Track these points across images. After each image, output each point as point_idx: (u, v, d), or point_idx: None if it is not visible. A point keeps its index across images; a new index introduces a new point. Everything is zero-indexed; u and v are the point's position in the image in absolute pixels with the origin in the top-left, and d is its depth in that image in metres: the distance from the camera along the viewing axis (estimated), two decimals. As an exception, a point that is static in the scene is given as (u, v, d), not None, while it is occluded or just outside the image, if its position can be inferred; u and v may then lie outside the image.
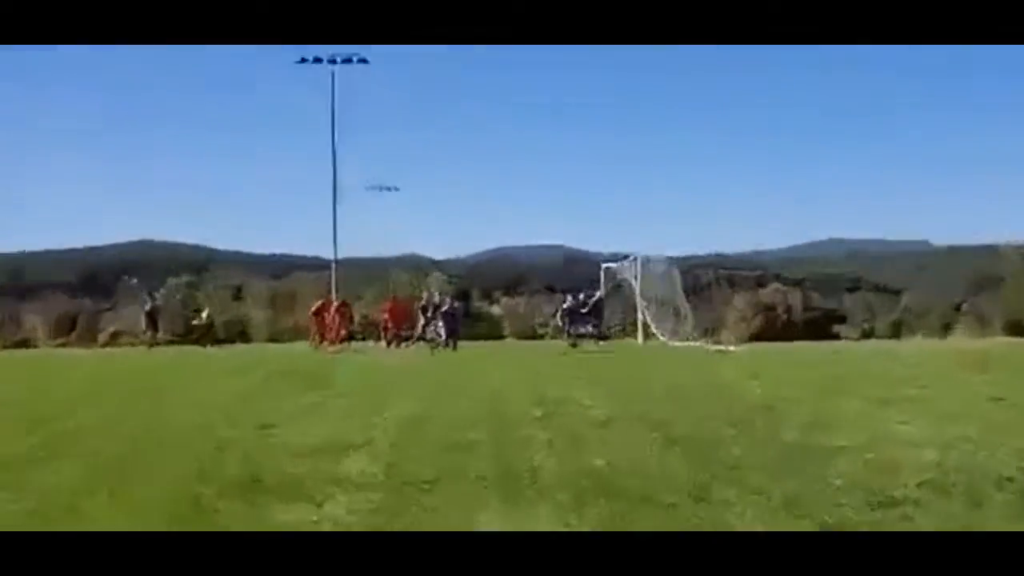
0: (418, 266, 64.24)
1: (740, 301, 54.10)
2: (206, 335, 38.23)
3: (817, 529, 5.10)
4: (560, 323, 32.96)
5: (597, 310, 32.34)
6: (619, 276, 38.21)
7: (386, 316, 34.66)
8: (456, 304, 34.10)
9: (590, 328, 31.63)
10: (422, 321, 32.22)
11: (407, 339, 32.62)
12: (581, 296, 32.56)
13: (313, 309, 35.08)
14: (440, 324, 31.20)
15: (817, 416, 9.60)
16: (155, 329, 38.56)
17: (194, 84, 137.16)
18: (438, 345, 29.98)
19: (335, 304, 35.56)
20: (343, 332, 33.98)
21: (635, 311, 36.52)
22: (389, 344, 32.98)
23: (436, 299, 33.24)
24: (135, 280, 46.66)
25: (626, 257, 37.65)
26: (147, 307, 39.50)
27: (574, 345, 29.85)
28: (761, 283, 59.88)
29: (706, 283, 51.36)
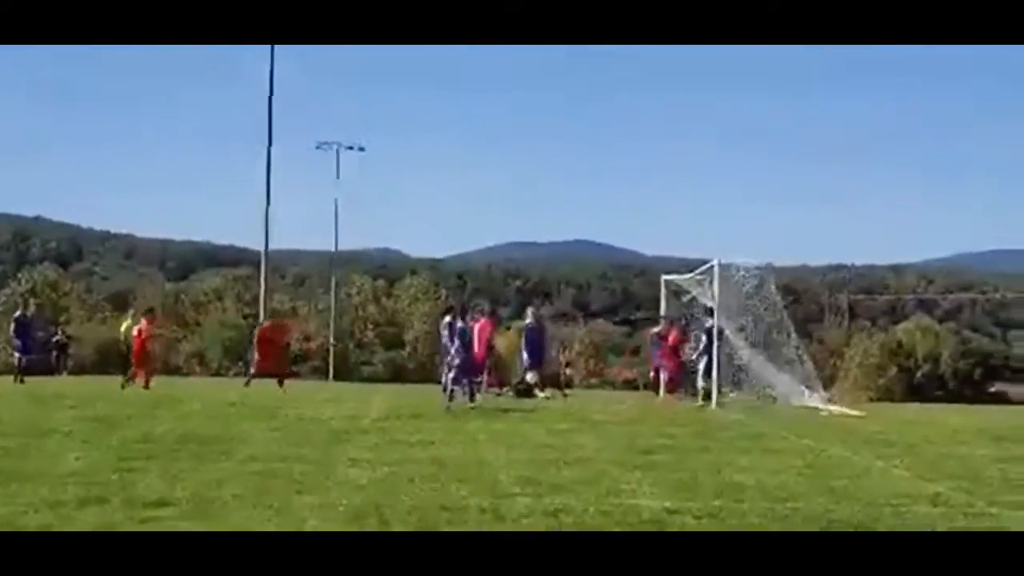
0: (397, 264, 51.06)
1: (864, 341, 39.01)
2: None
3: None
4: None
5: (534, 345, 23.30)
6: (687, 292, 25.17)
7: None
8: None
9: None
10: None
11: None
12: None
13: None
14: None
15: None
16: None
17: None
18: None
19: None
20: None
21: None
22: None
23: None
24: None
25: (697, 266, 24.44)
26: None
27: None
28: (894, 313, 44.93)
29: (810, 309, 37.68)
